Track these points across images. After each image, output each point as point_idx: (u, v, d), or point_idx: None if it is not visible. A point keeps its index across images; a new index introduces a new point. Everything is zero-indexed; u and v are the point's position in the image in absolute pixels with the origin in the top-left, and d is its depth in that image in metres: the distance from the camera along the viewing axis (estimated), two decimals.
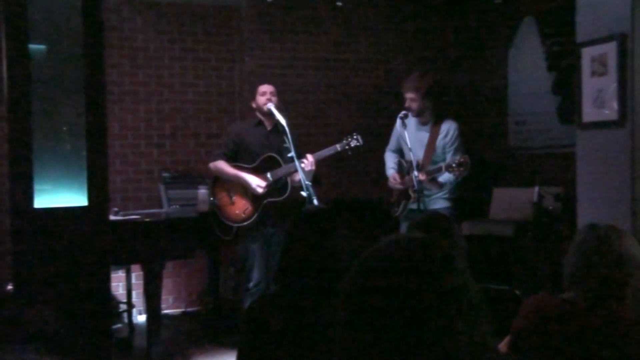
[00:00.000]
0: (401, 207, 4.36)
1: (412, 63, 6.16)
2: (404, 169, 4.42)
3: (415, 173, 4.05)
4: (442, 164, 4.09)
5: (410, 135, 4.18)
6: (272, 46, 5.81)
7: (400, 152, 4.56)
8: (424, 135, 4.37)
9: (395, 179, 4.38)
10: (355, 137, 4.32)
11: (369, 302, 0.90)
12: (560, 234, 4.67)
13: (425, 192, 4.18)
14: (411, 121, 4.34)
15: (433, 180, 4.15)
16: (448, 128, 4.34)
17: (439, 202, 4.35)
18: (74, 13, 3.52)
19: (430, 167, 4.20)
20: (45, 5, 3.51)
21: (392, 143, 4.61)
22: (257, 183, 4.16)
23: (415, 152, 4.17)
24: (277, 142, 4.27)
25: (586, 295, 1.93)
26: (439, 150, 4.32)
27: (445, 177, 4.18)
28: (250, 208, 4.22)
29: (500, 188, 5.60)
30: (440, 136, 4.33)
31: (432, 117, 4.38)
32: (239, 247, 4.39)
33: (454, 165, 3.98)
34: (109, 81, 4.79)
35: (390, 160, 4.57)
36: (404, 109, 4.34)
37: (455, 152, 4.28)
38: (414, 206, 4.18)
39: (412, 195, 4.18)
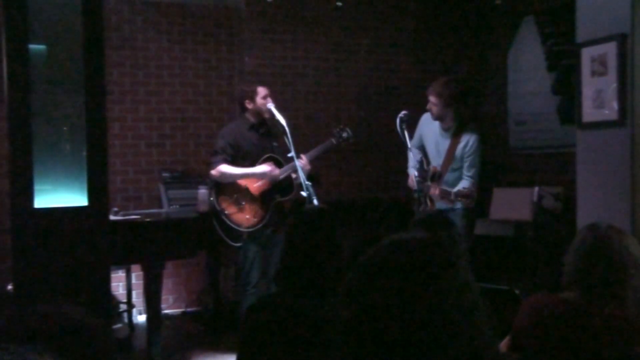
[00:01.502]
0: (422, 207, 4.36)
1: (412, 63, 6.16)
2: (424, 170, 4.41)
3: (416, 173, 4.07)
4: (453, 191, 4.08)
5: (432, 139, 4.20)
6: (272, 46, 5.81)
7: (423, 148, 4.56)
8: (445, 143, 4.37)
9: (412, 182, 4.36)
10: (343, 128, 4.49)
11: (370, 302, 0.90)
12: (560, 234, 4.67)
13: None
14: (434, 125, 4.36)
15: (444, 197, 4.19)
16: (468, 139, 4.32)
17: (459, 202, 4.37)
18: (74, 13, 3.52)
19: (444, 187, 4.22)
20: (45, 5, 3.50)
21: (415, 139, 4.59)
22: (270, 169, 4.19)
23: (436, 156, 4.23)
24: (271, 145, 4.30)
25: (586, 295, 1.93)
26: (457, 159, 4.32)
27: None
28: (261, 210, 4.21)
29: (500, 188, 5.60)
30: (460, 145, 4.32)
31: (454, 125, 4.37)
32: (239, 248, 4.38)
33: (461, 194, 4.01)
34: (109, 81, 4.79)
35: (413, 159, 4.54)
36: (426, 110, 4.36)
37: (471, 164, 4.27)
38: (442, 205, 4.21)
39: (429, 203, 4.18)
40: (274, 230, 4.21)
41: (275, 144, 4.29)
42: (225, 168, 4.22)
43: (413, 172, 4.42)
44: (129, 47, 5.51)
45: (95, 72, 3.53)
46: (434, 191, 4.09)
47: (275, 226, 4.22)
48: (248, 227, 4.19)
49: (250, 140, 4.31)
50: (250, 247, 4.21)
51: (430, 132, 4.31)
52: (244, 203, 4.23)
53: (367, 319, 0.89)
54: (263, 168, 4.20)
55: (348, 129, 4.47)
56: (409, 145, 4.12)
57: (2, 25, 3.38)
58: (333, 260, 1.91)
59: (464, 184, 4.18)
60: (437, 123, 4.39)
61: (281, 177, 4.22)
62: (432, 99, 4.32)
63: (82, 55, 3.51)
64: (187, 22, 5.69)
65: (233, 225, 4.21)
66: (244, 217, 4.22)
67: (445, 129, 4.40)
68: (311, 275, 1.89)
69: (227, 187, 4.25)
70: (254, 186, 4.24)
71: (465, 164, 4.30)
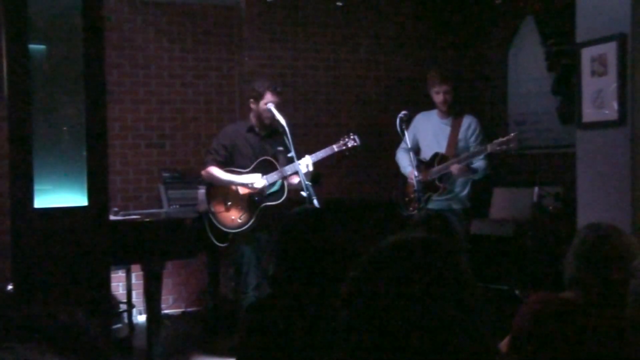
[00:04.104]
0: (419, 206, 4.35)
1: (412, 63, 6.16)
2: (422, 163, 4.42)
3: (416, 173, 4.07)
4: (488, 145, 4.11)
5: (430, 130, 4.21)
6: (272, 46, 5.81)
7: (418, 149, 4.56)
8: (445, 129, 4.39)
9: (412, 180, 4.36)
10: (352, 137, 4.30)
11: (371, 302, 0.90)
12: (560, 234, 4.67)
13: (447, 187, 4.24)
14: (432, 117, 4.40)
15: (468, 167, 4.22)
16: (470, 122, 4.39)
17: (459, 203, 4.34)
18: (74, 13, 3.52)
19: (473, 150, 4.26)
20: (45, 5, 3.50)
21: (409, 140, 4.58)
22: (252, 180, 4.13)
23: (437, 146, 4.27)
24: (271, 148, 4.23)
25: (586, 295, 1.93)
26: (461, 143, 4.35)
27: (478, 163, 4.25)
28: (247, 214, 4.16)
29: (500, 188, 5.60)
30: (463, 128, 4.36)
31: (452, 110, 4.42)
32: (234, 251, 4.34)
33: (502, 141, 4.03)
34: (109, 81, 4.78)
35: (405, 159, 4.52)
36: (440, 103, 4.37)
37: (482, 144, 4.33)
38: (431, 205, 4.20)
39: (440, 186, 4.20)
40: (269, 233, 4.17)
41: (280, 147, 4.17)
42: (214, 170, 4.19)
43: (412, 170, 4.42)
44: (129, 47, 5.51)
45: (95, 72, 3.53)
46: (454, 170, 4.15)
47: (269, 229, 4.18)
48: (232, 228, 4.17)
49: (248, 142, 4.26)
50: (245, 250, 4.18)
51: (427, 128, 4.28)
52: (230, 203, 4.19)
53: (368, 319, 0.89)
54: (246, 179, 4.14)
55: (356, 137, 4.28)
56: (408, 145, 4.12)
57: (2, 25, 3.37)
58: (327, 260, 1.90)
59: (479, 163, 4.26)
60: (434, 117, 4.40)
61: (267, 184, 4.15)
62: (445, 87, 4.32)
63: (82, 55, 3.51)
64: (187, 22, 5.69)
65: (218, 225, 4.18)
66: (229, 217, 4.19)
67: (444, 118, 4.42)
68: (306, 275, 1.89)
69: (217, 186, 4.24)
70: (243, 188, 4.20)
71: (477, 147, 4.34)
